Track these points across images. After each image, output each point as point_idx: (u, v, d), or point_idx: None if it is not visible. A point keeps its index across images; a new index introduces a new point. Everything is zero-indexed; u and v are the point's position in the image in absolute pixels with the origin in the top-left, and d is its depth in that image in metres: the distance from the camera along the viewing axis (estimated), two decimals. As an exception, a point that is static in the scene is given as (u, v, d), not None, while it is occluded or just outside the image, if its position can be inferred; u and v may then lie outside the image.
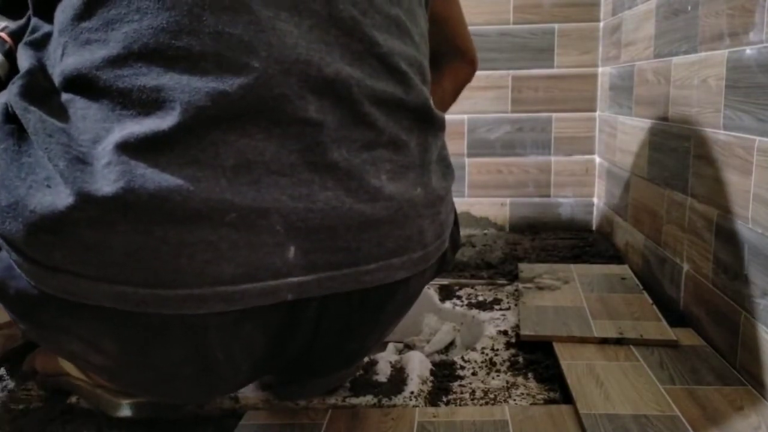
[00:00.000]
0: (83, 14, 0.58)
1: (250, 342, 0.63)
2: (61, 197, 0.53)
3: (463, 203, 1.75)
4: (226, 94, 0.56)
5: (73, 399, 0.85)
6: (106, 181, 0.53)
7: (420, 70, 0.69)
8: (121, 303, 0.55)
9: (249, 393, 0.84)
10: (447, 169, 0.74)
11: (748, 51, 0.83)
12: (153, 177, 0.54)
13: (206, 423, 0.81)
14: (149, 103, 0.55)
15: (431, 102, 0.70)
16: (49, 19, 0.62)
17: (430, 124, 0.69)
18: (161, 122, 0.55)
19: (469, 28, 1.69)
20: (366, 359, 0.92)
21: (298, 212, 0.58)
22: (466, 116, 1.71)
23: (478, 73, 1.74)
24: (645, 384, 0.82)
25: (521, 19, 1.67)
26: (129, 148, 0.54)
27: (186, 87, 0.55)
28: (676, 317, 1.05)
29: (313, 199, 0.59)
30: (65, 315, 0.58)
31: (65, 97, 0.58)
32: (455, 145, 1.72)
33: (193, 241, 0.55)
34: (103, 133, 0.55)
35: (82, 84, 0.57)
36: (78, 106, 0.57)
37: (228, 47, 0.56)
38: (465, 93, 1.77)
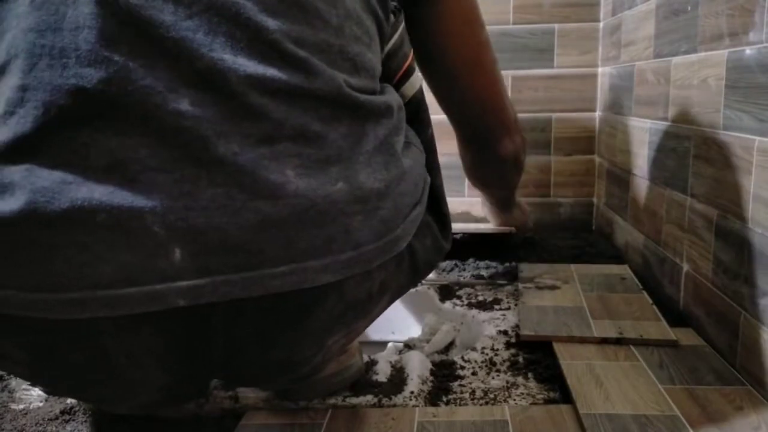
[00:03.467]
0: None
1: (153, 348, 0.62)
2: None
3: (463, 203, 1.75)
4: (85, 90, 0.54)
5: (74, 399, 0.85)
6: None
7: (341, 55, 0.63)
8: (6, 307, 0.55)
9: (249, 393, 0.84)
10: (392, 158, 0.66)
11: (748, 51, 0.83)
12: (23, 184, 0.53)
13: (206, 423, 0.81)
14: (15, 102, 0.55)
15: (354, 87, 0.64)
16: None
17: (365, 111, 0.64)
18: (24, 123, 0.54)
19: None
20: (366, 359, 0.92)
21: (178, 211, 0.54)
22: (466, 116, 1.71)
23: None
24: (645, 384, 0.82)
25: (521, 19, 1.67)
26: (1, 157, 0.54)
27: (47, 85, 0.54)
28: (676, 317, 1.05)
29: (196, 196, 0.55)
30: None
31: None
32: (455, 145, 1.72)
33: (66, 244, 0.54)
34: None
35: None
36: None
37: (88, 41, 0.55)
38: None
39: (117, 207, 0.54)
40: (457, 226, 1.63)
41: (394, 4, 0.77)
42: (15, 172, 0.54)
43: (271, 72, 0.58)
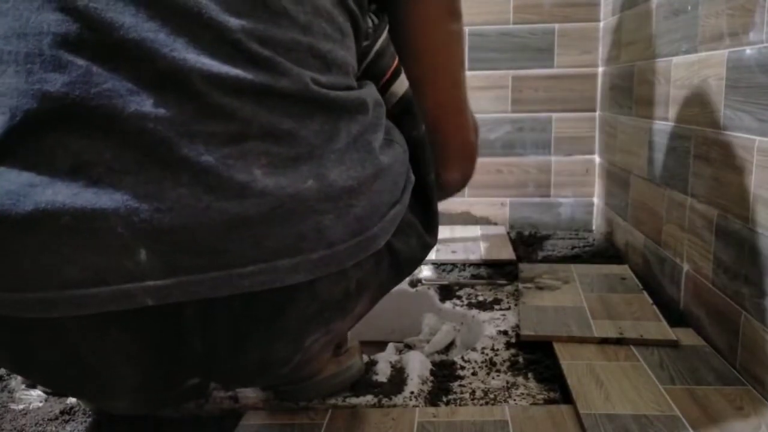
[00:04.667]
0: None
1: (123, 348, 0.62)
2: None
3: (463, 203, 1.75)
4: (49, 94, 0.54)
5: (73, 399, 0.85)
6: None
7: (310, 52, 0.62)
8: None
9: (249, 393, 0.84)
10: (368, 155, 0.65)
11: (748, 51, 0.83)
12: None
13: (206, 423, 0.81)
14: None
15: (323, 84, 0.63)
16: None
17: (338, 109, 0.63)
18: None
19: (469, 28, 1.68)
20: (366, 359, 0.92)
21: (142, 212, 0.54)
22: (466, 116, 1.71)
23: (478, 73, 1.73)
24: (645, 384, 0.82)
25: (521, 19, 1.67)
26: None
27: (14, 91, 0.55)
28: (676, 317, 1.05)
29: (161, 197, 0.55)
30: None
31: None
32: (455, 145, 1.72)
33: (33, 245, 0.55)
34: None
35: None
36: None
37: (52, 46, 0.55)
38: (465, 93, 1.75)
39: (81, 209, 0.54)
40: (456, 257, 1.62)
41: (374, 6, 0.77)
42: None
43: (235, 72, 0.57)
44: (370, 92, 0.70)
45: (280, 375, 0.73)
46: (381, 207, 0.66)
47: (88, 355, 0.62)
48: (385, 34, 0.77)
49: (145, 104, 0.55)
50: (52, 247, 0.55)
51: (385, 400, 0.82)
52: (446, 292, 1.24)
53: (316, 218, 0.60)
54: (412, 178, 0.75)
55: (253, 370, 0.70)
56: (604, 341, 0.95)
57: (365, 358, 0.92)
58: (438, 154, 0.86)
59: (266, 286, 0.59)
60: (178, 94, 0.56)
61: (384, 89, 0.76)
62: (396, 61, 0.80)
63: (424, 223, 0.80)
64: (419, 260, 0.80)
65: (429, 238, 0.80)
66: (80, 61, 0.55)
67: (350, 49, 0.69)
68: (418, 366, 0.90)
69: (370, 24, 0.75)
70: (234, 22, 0.58)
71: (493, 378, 0.89)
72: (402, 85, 0.80)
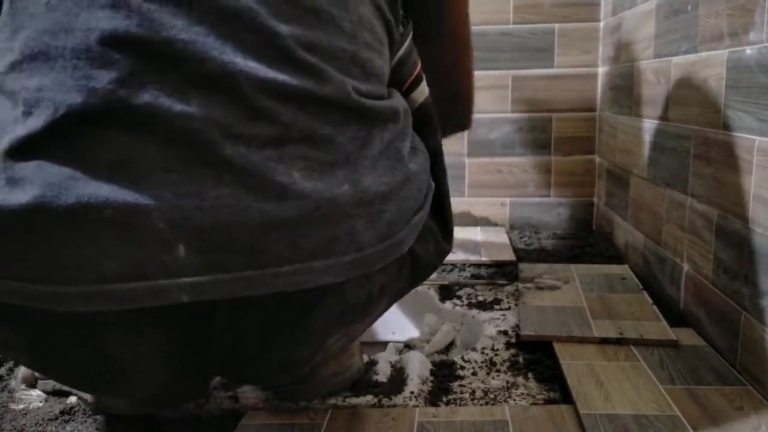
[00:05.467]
0: (3, 27, 0.60)
1: (155, 343, 0.63)
2: None
3: (463, 203, 1.75)
4: (95, 90, 0.55)
5: (73, 399, 0.85)
6: None
7: (353, 61, 0.64)
8: (9, 297, 0.56)
9: (249, 393, 0.84)
10: (398, 163, 0.67)
11: (748, 51, 0.83)
12: (34, 179, 0.55)
13: (206, 423, 0.81)
14: (32, 103, 0.56)
15: (363, 93, 0.65)
16: None
17: (372, 117, 0.65)
18: (37, 121, 0.55)
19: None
20: (366, 359, 0.92)
21: (184, 210, 0.55)
22: (466, 116, 1.71)
23: (478, 73, 1.74)
24: (645, 384, 0.82)
25: (521, 19, 1.67)
26: (15, 152, 0.55)
27: (61, 86, 0.55)
28: (676, 317, 1.05)
29: (203, 196, 0.56)
30: None
31: None
32: (455, 145, 1.72)
33: (73, 238, 0.55)
34: (2, 133, 0.57)
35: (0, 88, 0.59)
36: None
37: (100, 42, 0.56)
38: (465, 93, 1.75)
39: (123, 203, 0.54)
40: (456, 258, 1.63)
41: (402, 14, 0.78)
42: (26, 168, 0.55)
43: (282, 77, 0.59)
44: (400, 101, 0.72)
45: (299, 374, 0.75)
46: (407, 213, 0.68)
47: (119, 350, 0.62)
48: (408, 41, 0.79)
49: (191, 104, 0.56)
50: (93, 240, 0.55)
51: (385, 400, 0.82)
52: (446, 292, 1.24)
53: (349, 222, 0.61)
54: (433, 185, 0.76)
55: (276, 369, 0.71)
56: (604, 341, 0.95)
57: (365, 358, 0.92)
58: (453, 57, 0.96)
59: (300, 286, 0.60)
60: (224, 96, 0.57)
61: (404, 96, 0.77)
62: (418, 68, 0.81)
63: (441, 229, 0.81)
64: (436, 266, 0.81)
65: (446, 245, 0.82)
66: (127, 59, 0.55)
67: (385, 59, 0.70)
68: (418, 366, 0.90)
69: (401, 32, 0.76)
70: (283, 27, 0.59)
71: (493, 378, 0.89)
72: (422, 93, 0.82)
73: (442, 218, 0.81)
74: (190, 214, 0.55)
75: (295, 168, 0.59)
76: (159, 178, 0.55)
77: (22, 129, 0.56)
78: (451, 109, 0.96)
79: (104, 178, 0.55)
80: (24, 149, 0.55)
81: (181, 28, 0.56)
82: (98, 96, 0.55)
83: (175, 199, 0.55)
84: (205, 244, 0.56)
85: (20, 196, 0.54)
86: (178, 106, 0.55)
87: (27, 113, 0.56)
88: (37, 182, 0.54)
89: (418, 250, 0.74)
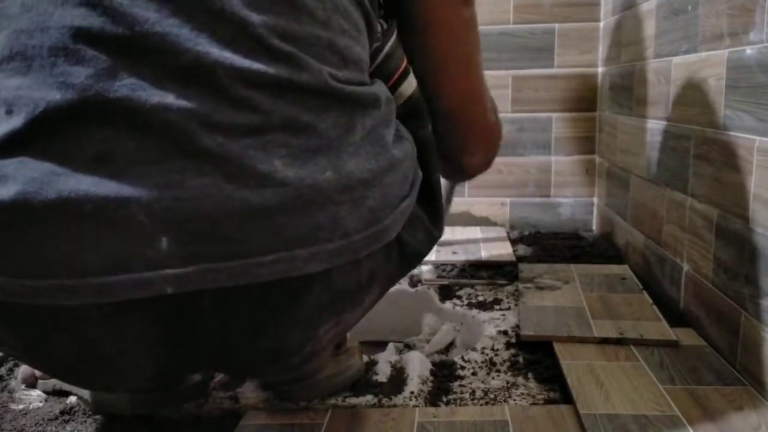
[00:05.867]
0: None
1: (140, 336, 0.63)
2: None
3: (463, 203, 1.75)
4: (72, 87, 0.56)
5: (73, 399, 0.85)
6: None
7: (329, 48, 0.64)
8: (1, 293, 0.57)
9: (249, 393, 0.84)
10: (381, 149, 0.67)
11: (748, 51, 0.83)
12: (15, 175, 0.55)
13: (206, 423, 0.81)
14: (12, 101, 0.57)
15: (341, 79, 0.64)
16: None
17: (352, 103, 0.65)
18: (18, 120, 0.56)
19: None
20: (366, 359, 0.92)
21: (164, 201, 0.56)
22: (466, 116, 1.71)
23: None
24: (645, 384, 0.82)
25: (521, 19, 1.67)
26: None
27: (40, 84, 0.56)
28: (676, 317, 1.05)
29: (183, 186, 0.56)
30: None
31: None
32: (455, 145, 1.72)
33: (55, 233, 0.55)
34: None
35: None
36: None
37: (75, 39, 0.56)
38: (465, 93, 1.74)
39: (103, 197, 0.55)
40: (456, 258, 1.63)
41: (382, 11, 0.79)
42: (8, 165, 0.56)
43: (257, 66, 0.59)
44: (381, 89, 0.72)
45: (289, 365, 0.74)
46: (393, 199, 0.68)
47: (106, 343, 0.62)
48: (394, 37, 0.79)
49: (168, 96, 0.56)
50: (74, 234, 0.55)
51: (385, 400, 0.82)
52: (446, 292, 1.24)
53: (333, 209, 0.61)
54: (420, 174, 0.76)
55: (265, 359, 0.71)
56: (604, 341, 0.95)
57: (365, 358, 0.92)
58: (458, 140, 0.90)
59: (284, 274, 0.60)
60: (201, 87, 0.57)
61: (392, 90, 0.77)
62: (404, 63, 0.81)
63: (430, 217, 0.81)
64: (425, 253, 0.81)
65: (435, 231, 0.82)
66: (103, 55, 0.56)
67: (364, 46, 0.70)
68: (418, 366, 0.90)
69: (379, 27, 0.76)
70: (256, 17, 0.59)
71: (493, 378, 0.89)
72: (410, 86, 0.82)
73: (431, 207, 0.81)
74: (170, 206, 0.56)
75: (276, 156, 0.59)
76: (139, 171, 0.56)
77: (3, 127, 0.56)
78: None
79: (85, 172, 0.55)
80: (6, 147, 0.56)
81: (154, 22, 0.57)
82: (76, 92, 0.55)
83: (155, 191, 0.55)
84: (187, 235, 0.57)
85: (2, 192, 0.55)
86: (155, 99, 0.56)
87: (9, 112, 0.57)
88: (19, 179, 0.55)
89: (405, 237, 0.74)
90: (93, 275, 0.56)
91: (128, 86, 0.56)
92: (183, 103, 0.56)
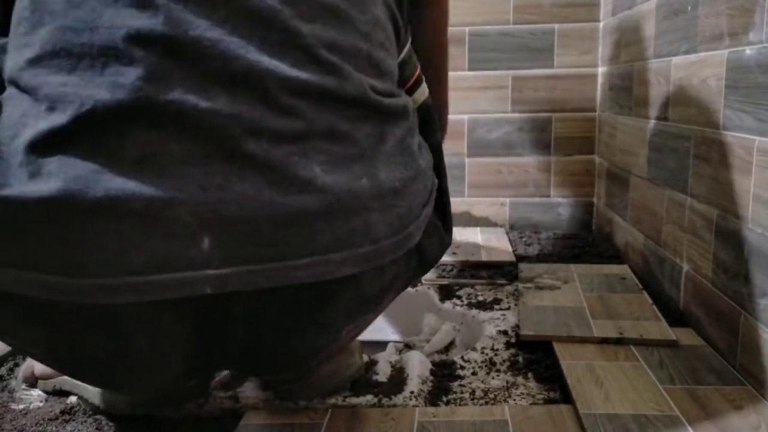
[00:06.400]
0: (21, 21, 0.61)
1: (173, 334, 0.63)
2: None
3: (463, 203, 1.75)
4: (123, 87, 0.56)
5: (73, 399, 0.85)
6: (17, 181, 0.55)
7: (368, 60, 0.67)
8: (32, 290, 0.57)
9: (249, 393, 0.84)
10: (409, 158, 0.70)
11: (748, 51, 0.83)
12: (58, 172, 0.55)
13: (206, 423, 0.81)
14: (55, 98, 0.57)
15: (378, 91, 0.67)
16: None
17: (385, 114, 0.68)
18: (62, 116, 0.56)
19: (469, 28, 1.70)
20: (366, 359, 0.92)
21: (209, 203, 0.57)
22: (466, 116, 1.71)
23: (478, 73, 1.75)
24: (645, 384, 0.82)
25: (521, 19, 1.67)
26: (37, 146, 0.56)
27: (88, 83, 0.56)
28: (676, 317, 1.05)
29: (228, 189, 0.57)
30: None
31: (7, 93, 0.61)
32: (455, 145, 1.72)
33: (100, 231, 0.55)
34: (21, 128, 0.57)
35: (14, 84, 0.60)
36: (10, 103, 0.59)
37: (126, 40, 0.57)
38: (465, 93, 1.77)
39: (150, 197, 0.55)
40: (456, 258, 1.63)
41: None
42: (49, 162, 0.56)
43: (304, 75, 0.61)
44: (407, 99, 0.74)
45: (310, 364, 0.76)
46: (417, 208, 0.71)
47: (140, 341, 0.63)
48: (408, 45, 0.81)
49: (217, 101, 0.57)
50: (119, 233, 0.56)
51: (385, 400, 0.82)
52: (446, 292, 1.24)
53: (366, 215, 0.63)
54: (436, 181, 0.79)
55: (290, 359, 0.73)
56: (604, 341, 0.95)
57: (365, 357, 0.92)
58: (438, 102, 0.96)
59: (319, 278, 0.61)
60: (249, 94, 0.59)
61: (407, 95, 0.79)
62: (418, 70, 0.83)
63: (443, 223, 0.83)
64: (438, 258, 0.83)
65: (447, 238, 0.84)
66: (154, 57, 0.57)
67: (395, 59, 0.73)
68: (418, 366, 0.90)
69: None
70: (304, 27, 0.61)
71: (493, 378, 0.89)
72: (423, 93, 0.84)
73: (443, 213, 0.83)
74: (215, 207, 0.57)
75: (316, 162, 0.61)
76: (184, 173, 0.57)
77: (45, 123, 0.56)
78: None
79: (130, 172, 0.56)
80: (47, 143, 0.56)
81: (206, 28, 0.58)
82: (127, 92, 0.56)
83: (200, 193, 0.57)
84: (229, 237, 0.58)
85: (43, 188, 0.55)
86: (205, 103, 0.57)
87: (50, 108, 0.57)
88: (61, 175, 0.55)
89: (424, 243, 0.75)
90: (135, 274, 0.56)
91: (178, 90, 0.56)
92: (231, 108, 0.58)
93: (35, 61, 0.59)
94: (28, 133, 0.56)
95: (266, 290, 0.60)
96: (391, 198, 0.66)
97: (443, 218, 0.83)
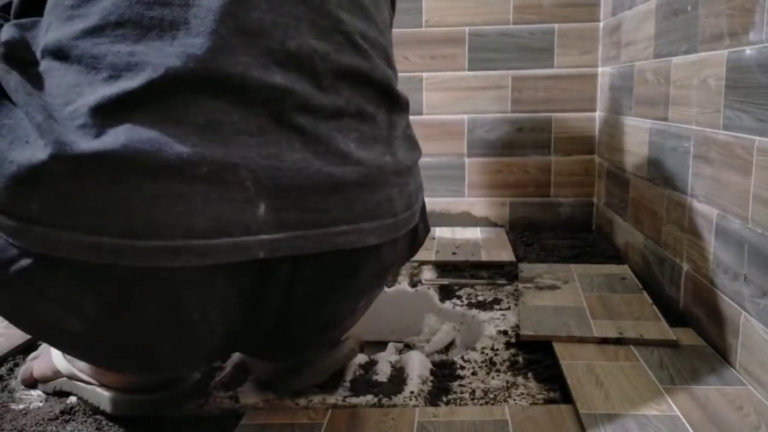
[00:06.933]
0: None
1: (224, 301, 0.64)
2: (38, 151, 0.55)
3: (463, 203, 1.75)
4: (195, 57, 0.59)
5: (73, 399, 0.85)
6: (81, 140, 0.55)
7: (384, 53, 0.73)
8: (96, 254, 0.57)
9: (249, 393, 0.84)
10: (413, 145, 0.78)
11: (748, 51, 0.83)
12: (126, 133, 0.56)
13: (206, 423, 0.81)
14: (122, 66, 0.58)
15: (395, 82, 0.74)
16: (41, 8, 0.66)
17: (395, 103, 0.74)
18: (131, 82, 0.57)
19: (469, 28, 1.72)
20: (366, 359, 0.92)
21: (267, 170, 0.60)
22: (466, 116, 1.71)
23: (478, 73, 1.76)
24: (645, 384, 0.82)
25: (521, 19, 1.67)
26: (102, 109, 0.57)
27: (158, 52, 0.59)
28: (676, 317, 1.05)
29: (281, 158, 0.61)
30: (42, 273, 0.59)
31: (44, 66, 0.61)
32: (455, 145, 1.72)
33: (166, 194, 0.57)
34: (75, 96, 0.58)
35: (60, 54, 0.60)
36: (54, 74, 0.60)
37: (196, 15, 0.60)
38: (465, 93, 1.77)
39: (218, 161, 0.58)
40: (456, 258, 1.63)
41: None
42: (118, 124, 0.57)
43: (347, 58, 0.67)
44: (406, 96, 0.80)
45: (328, 338, 0.81)
46: (419, 189, 0.78)
47: (193, 308, 0.63)
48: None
49: (274, 77, 0.62)
50: (184, 196, 0.57)
51: (385, 400, 0.82)
52: (446, 292, 1.24)
53: (389, 189, 0.70)
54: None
55: (317, 330, 0.76)
56: (603, 341, 0.95)
57: (365, 357, 0.92)
58: None
59: (354, 245, 0.66)
60: (301, 72, 0.64)
61: None
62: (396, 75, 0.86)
63: (423, 212, 0.86)
64: (422, 243, 0.86)
65: (428, 224, 0.87)
66: (223, 31, 0.60)
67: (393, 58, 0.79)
68: (418, 366, 0.90)
69: None
70: (345, 16, 0.68)
71: (493, 378, 0.89)
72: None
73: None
74: (272, 174, 0.61)
75: (350, 138, 0.67)
76: (243, 141, 0.60)
77: (111, 89, 0.57)
78: None
79: (196, 137, 0.58)
80: (114, 108, 0.57)
81: (268, 8, 0.63)
82: (197, 61, 0.59)
83: (260, 160, 0.60)
84: (281, 203, 0.61)
85: (113, 144, 0.56)
86: (266, 77, 0.61)
87: (114, 77, 0.58)
88: (133, 137, 0.56)
89: (418, 224, 0.80)
90: (196, 237, 0.58)
91: (243, 63, 0.60)
92: (286, 83, 0.62)
93: (94, 31, 0.60)
94: (90, 99, 0.57)
95: (309, 256, 0.64)
96: (406, 176, 0.73)
97: (423, 207, 0.87)
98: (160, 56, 0.58)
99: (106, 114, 0.57)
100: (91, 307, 0.62)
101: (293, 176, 0.62)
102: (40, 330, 0.72)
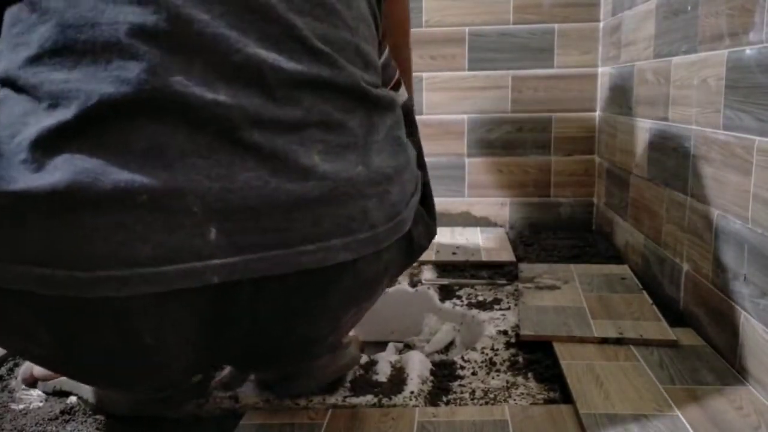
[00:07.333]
0: (15, 21, 0.61)
1: (179, 326, 0.63)
2: None
3: (463, 203, 1.75)
4: (127, 81, 0.57)
5: (73, 399, 0.85)
6: (21, 175, 0.55)
7: (356, 52, 0.69)
8: (42, 286, 0.57)
9: (249, 393, 0.84)
10: (399, 148, 0.73)
11: (748, 51, 0.83)
12: (64, 165, 0.55)
13: (206, 423, 0.81)
14: (58, 94, 0.57)
15: (367, 82, 0.70)
16: None
17: (373, 104, 0.70)
18: (67, 112, 0.57)
19: (469, 28, 1.72)
20: (366, 359, 0.92)
21: (215, 193, 0.58)
22: (466, 116, 1.71)
23: (478, 73, 1.76)
24: (645, 384, 0.82)
25: (521, 19, 1.67)
26: (42, 143, 0.56)
27: (92, 78, 0.57)
28: (676, 317, 1.05)
29: (232, 179, 0.59)
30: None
31: (1, 95, 0.60)
32: (455, 145, 1.72)
33: (105, 224, 0.56)
34: (21, 127, 0.57)
35: (10, 83, 0.60)
36: (8, 103, 0.60)
37: (129, 35, 0.58)
38: (465, 93, 1.77)
39: (159, 188, 0.56)
40: (456, 258, 1.63)
41: None
42: (56, 157, 0.56)
43: (301, 66, 0.63)
44: (393, 93, 0.77)
45: (312, 354, 0.78)
46: (407, 195, 0.73)
47: (147, 334, 0.62)
48: (388, 49, 0.84)
49: (218, 93, 0.59)
50: (127, 225, 0.56)
51: (385, 400, 0.82)
52: (446, 292, 1.24)
53: (363, 201, 0.66)
54: (418, 173, 0.81)
55: (294, 348, 0.74)
56: (603, 341, 0.95)
57: (365, 358, 0.92)
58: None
59: (322, 264, 0.63)
60: (249, 85, 0.61)
61: None
62: (398, 73, 0.85)
63: (428, 213, 0.84)
64: (426, 247, 0.84)
65: (433, 227, 0.86)
66: (156, 51, 0.58)
67: (376, 53, 0.75)
68: (418, 366, 0.90)
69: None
70: (298, 20, 0.64)
71: (493, 378, 0.89)
72: (402, 95, 0.86)
73: (427, 204, 0.85)
74: (221, 196, 0.58)
75: (314, 150, 0.63)
76: (190, 164, 0.58)
77: (49, 120, 0.56)
78: None
79: (137, 164, 0.56)
80: (52, 139, 0.56)
81: (207, 22, 0.59)
82: (131, 86, 0.57)
83: (206, 182, 0.58)
84: (234, 226, 0.59)
85: (50, 180, 0.55)
86: (209, 95, 0.58)
87: (53, 105, 0.57)
88: (70, 169, 0.55)
89: (412, 231, 0.77)
90: (143, 266, 0.57)
91: (181, 82, 0.58)
92: (233, 100, 0.59)
93: (34, 60, 0.59)
94: (32, 131, 0.56)
95: (271, 277, 0.61)
96: (385, 184, 0.68)
97: (428, 209, 0.85)
98: (93, 82, 0.57)
99: (45, 146, 0.56)
100: (46, 336, 0.63)
101: (245, 196, 0.59)
102: (13, 351, 0.73)
